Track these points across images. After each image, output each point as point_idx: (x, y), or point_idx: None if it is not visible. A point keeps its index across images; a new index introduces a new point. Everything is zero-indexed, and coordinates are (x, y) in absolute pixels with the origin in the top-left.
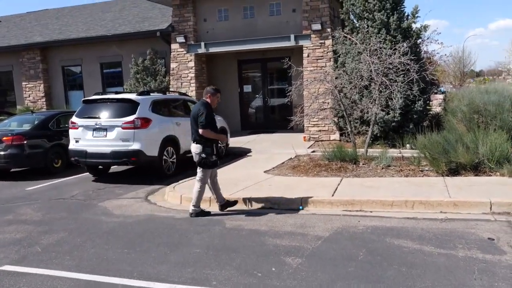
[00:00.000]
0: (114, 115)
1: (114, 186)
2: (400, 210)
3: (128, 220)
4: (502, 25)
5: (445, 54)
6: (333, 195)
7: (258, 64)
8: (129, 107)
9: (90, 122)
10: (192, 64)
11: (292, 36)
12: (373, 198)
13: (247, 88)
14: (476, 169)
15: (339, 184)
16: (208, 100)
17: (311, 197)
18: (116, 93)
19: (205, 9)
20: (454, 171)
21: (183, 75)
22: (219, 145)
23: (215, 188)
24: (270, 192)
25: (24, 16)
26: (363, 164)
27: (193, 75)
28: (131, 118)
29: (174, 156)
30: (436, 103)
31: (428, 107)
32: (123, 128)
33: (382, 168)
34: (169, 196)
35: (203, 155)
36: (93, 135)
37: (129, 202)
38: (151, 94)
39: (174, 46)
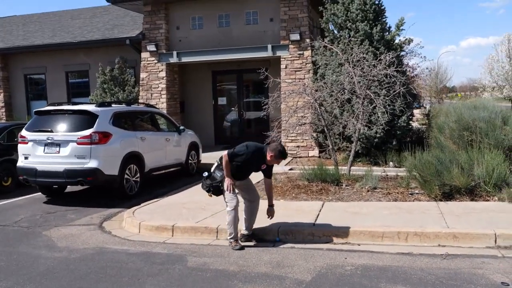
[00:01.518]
0: (69, 129)
1: (67, 210)
2: (392, 243)
3: (72, 256)
4: (473, 43)
5: (426, 68)
6: (314, 223)
7: (233, 76)
8: (87, 119)
9: (42, 136)
10: (163, 74)
11: (270, 46)
12: (360, 228)
13: (222, 101)
14: (472, 192)
15: (320, 210)
16: (268, 157)
17: (289, 226)
18: (73, 104)
19: (178, 16)
20: (448, 195)
21: (154, 86)
22: (189, 161)
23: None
24: (242, 219)
25: None
26: (346, 186)
27: (164, 86)
28: (87, 132)
29: (138, 175)
30: (414, 119)
31: (410, 123)
32: (79, 144)
33: (368, 191)
34: (126, 223)
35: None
36: (44, 151)
37: (79, 230)
38: (113, 105)
39: (144, 54)
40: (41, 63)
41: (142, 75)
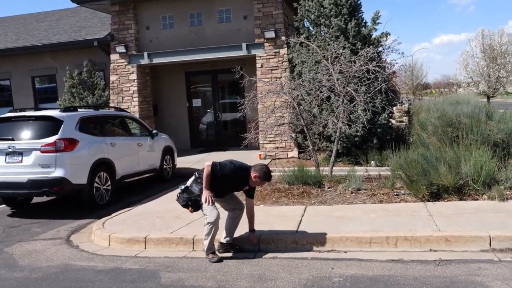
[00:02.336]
0: (32, 136)
1: (33, 222)
2: (381, 248)
3: (34, 275)
4: (445, 40)
5: (405, 65)
6: (297, 230)
7: (208, 76)
8: (50, 126)
9: (2, 145)
10: (134, 76)
11: (244, 45)
12: (346, 233)
13: (197, 103)
14: (460, 191)
15: (303, 215)
16: (253, 177)
17: (271, 233)
18: (37, 109)
19: (147, 15)
20: (436, 195)
21: (125, 89)
22: (164, 166)
23: None
24: (221, 227)
25: None
26: (328, 188)
27: (135, 88)
28: (52, 139)
29: (109, 183)
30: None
31: (391, 120)
32: (43, 152)
33: (352, 193)
34: (95, 235)
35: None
36: (5, 160)
37: (44, 245)
38: (79, 110)
39: (113, 56)
40: (5, 69)
41: (112, 78)
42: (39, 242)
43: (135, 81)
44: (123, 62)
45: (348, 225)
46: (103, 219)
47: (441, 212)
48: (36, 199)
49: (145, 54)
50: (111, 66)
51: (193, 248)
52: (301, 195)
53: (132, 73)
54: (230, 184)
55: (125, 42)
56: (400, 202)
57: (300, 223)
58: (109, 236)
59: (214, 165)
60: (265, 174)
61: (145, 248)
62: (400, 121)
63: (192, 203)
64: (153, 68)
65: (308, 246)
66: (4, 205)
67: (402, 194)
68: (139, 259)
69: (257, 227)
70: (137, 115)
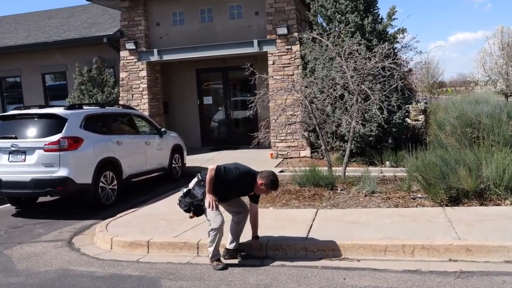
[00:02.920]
0: (35, 135)
1: (36, 223)
2: (396, 257)
3: (30, 281)
4: (461, 38)
5: (420, 62)
6: (307, 235)
7: (219, 74)
8: (55, 124)
9: (5, 143)
10: (144, 73)
11: (256, 42)
12: (360, 240)
13: (208, 100)
14: (481, 196)
15: (314, 219)
16: (259, 184)
17: (279, 239)
18: (41, 107)
19: (157, 11)
20: (455, 200)
21: (134, 86)
22: (173, 165)
23: None
24: (226, 231)
25: None
26: (341, 190)
27: (145, 85)
28: (55, 137)
29: (115, 182)
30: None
31: (406, 119)
32: (46, 151)
33: (366, 196)
34: (98, 238)
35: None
36: (9, 159)
37: (45, 248)
38: (84, 107)
39: (123, 53)
40: (15, 66)
41: (122, 75)
42: (40, 244)
43: (145, 78)
44: (132, 59)
45: (361, 231)
46: (107, 220)
47: (461, 218)
48: (41, 198)
49: (155, 50)
50: (121, 63)
51: (197, 253)
52: (313, 198)
53: (142, 70)
54: (235, 190)
55: (135, 38)
56: (416, 206)
57: (310, 228)
58: (111, 239)
59: (218, 169)
60: (272, 183)
61: (148, 253)
62: (416, 120)
63: (194, 208)
64: (164, 65)
65: (318, 254)
66: (9, 204)
67: (419, 198)
68: (141, 264)
69: (265, 231)
70: (146, 113)
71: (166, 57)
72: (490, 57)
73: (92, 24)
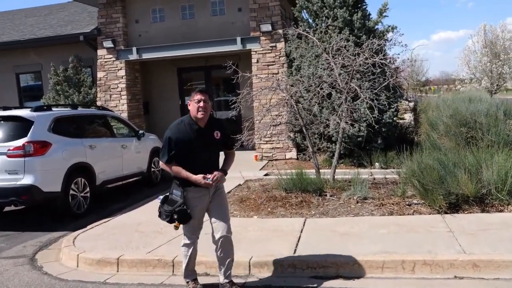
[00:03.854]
0: None
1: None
2: (395, 275)
3: None
4: (444, 37)
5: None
6: (295, 250)
7: (201, 73)
8: (19, 127)
9: None
10: (122, 72)
11: (239, 39)
12: (354, 255)
13: None
14: (482, 202)
15: (302, 230)
16: (189, 107)
17: (264, 256)
18: (5, 109)
19: (136, 8)
20: (455, 206)
21: (112, 86)
22: (152, 169)
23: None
24: (206, 246)
25: None
26: (331, 196)
27: (124, 85)
28: (20, 142)
29: (87, 189)
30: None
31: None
32: (9, 156)
33: (357, 202)
34: (64, 254)
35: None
36: None
37: (3, 266)
38: (54, 109)
39: (101, 52)
40: None
41: (99, 74)
42: None
43: (124, 77)
44: (110, 58)
45: (355, 244)
46: (76, 232)
47: (463, 227)
48: (9, 207)
49: (134, 49)
50: (98, 62)
51: (172, 272)
52: (300, 205)
53: (121, 69)
54: (189, 147)
55: (113, 36)
56: (413, 214)
57: (298, 241)
58: (77, 255)
59: (162, 155)
60: (195, 91)
61: (118, 271)
62: (401, 119)
63: (177, 215)
64: (143, 64)
65: (308, 271)
66: None
67: (415, 204)
68: (108, 286)
69: (249, 245)
70: (125, 114)
71: (146, 56)
72: (474, 55)
73: (68, 22)
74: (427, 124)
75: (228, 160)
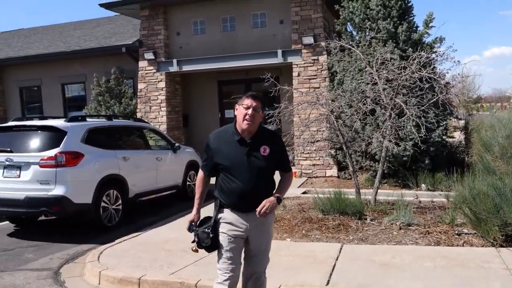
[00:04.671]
0: (32, 148)
1: (29, 245)
2: None
3: None
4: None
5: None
6: (328, 281)
7: (241, 86)
8: (53, 137)
9: (0, 157)
10: (162, 84)
11: (280, 52)
12: None
13: (229, 113)
14: None
15: (338, 257)
16: (236, 112)
17: (293, 286)
18: (41, 118)
19: (178, 20)
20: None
21: (152, 98)
22: (187, 183)
23: None
24: None
25: None
26: (371, 220)
27: (163, 97)
28: (52, 152)
29: (119, 202)
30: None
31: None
32: (42, 166)
33: (400, 228)
34: (87, 269)
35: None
36: (3, 174)
37: (26, 279)
38: (88, 119)
39: (142, 63)
40: (36, 75)
41: (140, 86)
42: (23, 273)
43: (164, 89)
44: (151, 70)
45: (396, 279)
46: (103, 247)
47: None
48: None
49: (175, 61)
50: (139, 73)
51: None
52: (337, 228)
53: (161, 81)
54: (231, 160)
55: (154, 48)
56: (463, 245)
57: (333, 271)
58: (99, 272)
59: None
60: (245, 95)
61: None
62: (450, 137)
63: (199, 238)
64: (184, 76)
65: None
66: (8, 222)
67: (465, 233)
68: None
69: (278, 272)
70: (164, 126)
71: (186, 68)
72: None
73: (113, 34)
74: (480, 144)
75: (284, 184)
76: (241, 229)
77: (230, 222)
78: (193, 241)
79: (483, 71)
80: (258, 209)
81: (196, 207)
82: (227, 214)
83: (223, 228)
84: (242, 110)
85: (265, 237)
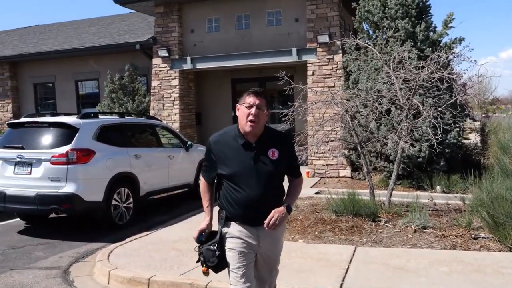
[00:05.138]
0: (43, 145)
1: (39, 243)
2: None
3: None
4: None
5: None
6: (341, 285)
7: (255, 84)
8: (65, 134)
9: (11, 153)
10: (176, 82)
11: (294, 50)
12: None
13: None
14: None
15: (351, 260)
16: (238, 112)
17: None
18: (53, 115)
19: (192, 18)
20: None
21: (166, 95)
22: (199, 181)
23: None
24: None
25: (10, 32)
26: (385, 222)
27: (177, 95)
28: (63, 149)
29: (131, 200)
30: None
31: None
32: (53, 163)
33: (415, 231)
34: (96, 269)
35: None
36: (14, 171)
37: (35, 277)
38: (100, 116)
39: (156, 61)
40: (50, 72)
41: (153, 83)
42: (32, 272)
43: (177, 87)
44: (165, 67)
45: (411, 284)
46: (113, 245)
47: None
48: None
49: (188, 58)
50: (153, 71)
51: None
52: (351, 230)
53: (174, 78)
54: (235, 166)
55: (168, 45)
56: (480, 249)
57: (346, 274)
58: (108, 272)
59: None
60: (246, 92)
61: None
62: (465, 139)
63: (204, 257)
64: (197, 74)
65: None
66: (18, 219)
67: (482, 237)
68: None
69: (289, 275)
70: (177, 124)
71: (200, 66)
72: None
73: (127, 31)
74: (498, 147)
75: (294, 191)
76: (250, 244)
77: (238, 237)
78: (198, 261)
79: (499, 72)
80: (266, 221)
81: (209, 215)
82: (234, 228)
83: (230, 244)
84: (245, 110)
85: (276, 250)
